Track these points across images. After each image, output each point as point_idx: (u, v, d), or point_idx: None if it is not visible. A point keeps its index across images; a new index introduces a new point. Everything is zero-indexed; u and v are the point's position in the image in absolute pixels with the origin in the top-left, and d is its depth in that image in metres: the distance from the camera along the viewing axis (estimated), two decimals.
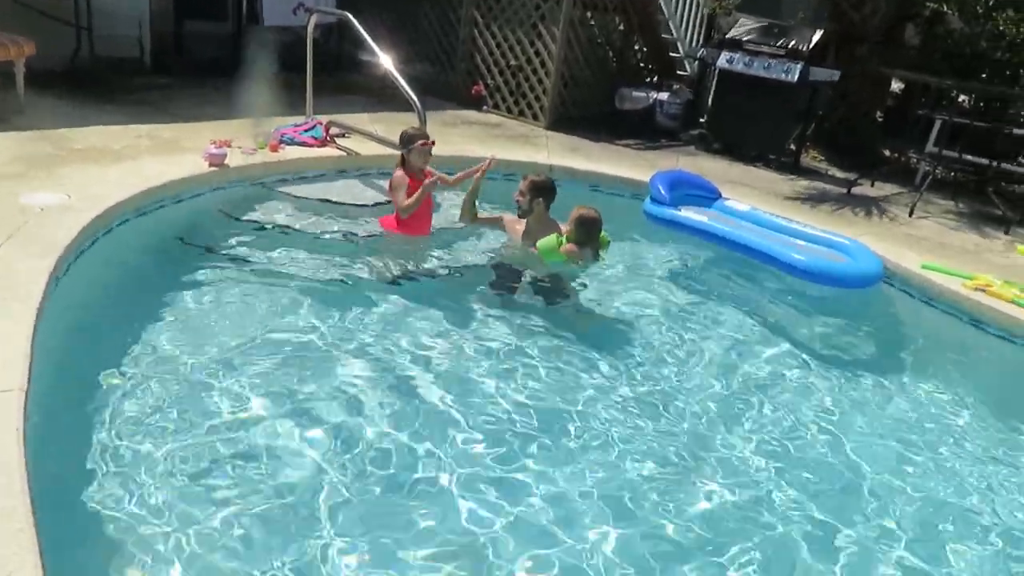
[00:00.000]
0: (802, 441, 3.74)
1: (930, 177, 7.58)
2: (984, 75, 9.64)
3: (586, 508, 3.06)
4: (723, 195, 6.13)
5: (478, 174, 4.80)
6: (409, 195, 4.79)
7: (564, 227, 4.65)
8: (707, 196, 6.07)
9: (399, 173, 4.88)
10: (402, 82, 5.65)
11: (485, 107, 9.29)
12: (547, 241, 4.52)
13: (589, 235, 4.56)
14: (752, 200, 6.35)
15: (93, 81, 7.49)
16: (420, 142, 4.86)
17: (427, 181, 4.76)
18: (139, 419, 3.15)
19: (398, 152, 4.99)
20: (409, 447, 3.26)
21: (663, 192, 5.73)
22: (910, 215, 7.06)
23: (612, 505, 3.09)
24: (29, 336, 2.96)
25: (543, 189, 4.72)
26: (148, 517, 2.68)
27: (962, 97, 9.98)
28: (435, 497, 3.01)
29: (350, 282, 4.62)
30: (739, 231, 5.44)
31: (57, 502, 2.52)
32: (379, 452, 3.21)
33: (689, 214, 5.62)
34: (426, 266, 4.93)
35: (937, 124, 7.87)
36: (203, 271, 4.47)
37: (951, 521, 3.31)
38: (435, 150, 5.00)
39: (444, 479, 3.10)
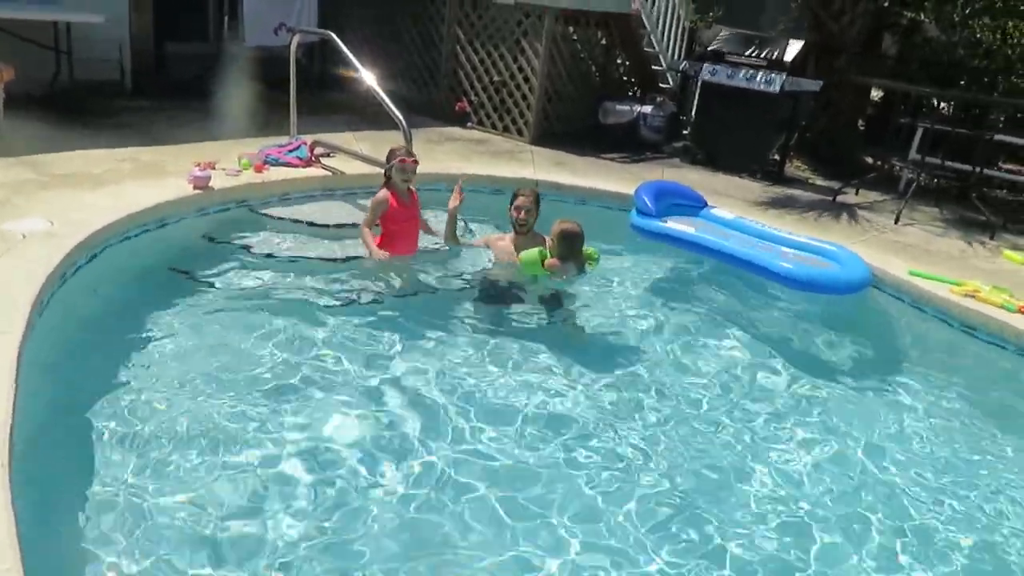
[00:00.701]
0: (797, 447, 3.74)
1: (914, 184, 7.63)
2: (962, 82, 9.75)
3: (582, 522, 3.03)
4: (709, 204, 6.12)
5: (454, 203, 4.89)
6: (389, 216, 4.82)
7: (548, 240, 4.64)
8: (693, 205, 6.06)
9: (382, 192, 4.86)
10: (386, 99, 5.61)
11: (469, 123, 9.28)
12: (529, 254, 4.50)
13: (571, 249, 4.55)
14: (737, 210, 6.35)
15: (73, 105, 7.40)
16: (399, 158, 4.84)
17: (379, 256, 4.74)
18: (128, 451, 3.09)
19: (383, 171, 4.97)
20: (399, 465, 3.23)
21: (649, 204, 5.71)
22: (896, 222, 7.10)
23: (610, 519, 3.06)
24: (12, 368, 2.89)
25: (539, 203, 4.80)
26: (140, 552, 2.61)
27: (942, 105, 10.10)
28: (429, 513, 2.98)
29: (337, 303, 4.56)
30: (727, 242, 5.42)
31: (44, 539, 2.45)
32: (372, 472, 3.18)
33: (676, 226, 5.58)
34: (414, 285, 4.88)
35: (919, 132, 7.95)
36: (189, 296, 4.41)
37: (942, 523, 3.31)
38: (421, 168, 4.98)
39: (436, 496, 3.07)
